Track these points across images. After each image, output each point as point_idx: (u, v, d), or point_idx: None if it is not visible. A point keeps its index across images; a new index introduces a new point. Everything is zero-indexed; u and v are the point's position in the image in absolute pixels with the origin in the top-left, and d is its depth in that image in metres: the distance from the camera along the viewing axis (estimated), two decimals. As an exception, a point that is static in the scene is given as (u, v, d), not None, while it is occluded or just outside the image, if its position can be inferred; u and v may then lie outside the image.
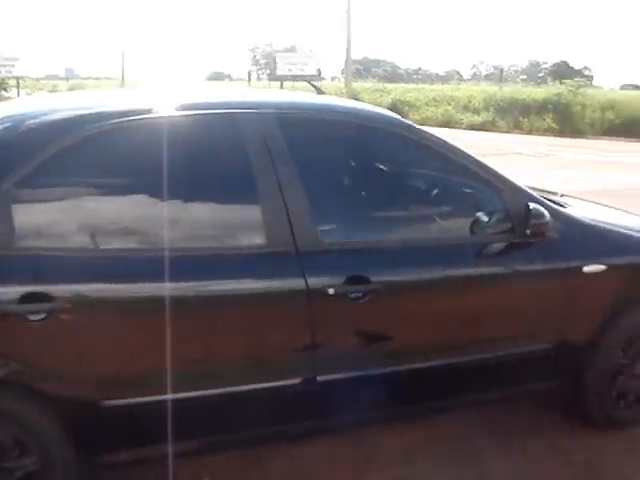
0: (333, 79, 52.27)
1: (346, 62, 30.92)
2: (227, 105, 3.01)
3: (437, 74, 72.67)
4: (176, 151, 2.71)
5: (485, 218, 3.15)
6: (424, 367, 3.10)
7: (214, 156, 2.88)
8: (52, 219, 2.61)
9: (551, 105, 25.17)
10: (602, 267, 3.28)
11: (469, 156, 3.21)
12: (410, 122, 3.37)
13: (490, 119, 25.19)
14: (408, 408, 3.26)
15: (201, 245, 2.77)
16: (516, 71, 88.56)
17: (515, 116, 25.07)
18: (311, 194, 2.86)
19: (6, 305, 2.39)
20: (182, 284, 2.66)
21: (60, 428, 2.54)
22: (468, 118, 25.19)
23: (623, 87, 60.16)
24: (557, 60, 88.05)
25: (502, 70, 40.03)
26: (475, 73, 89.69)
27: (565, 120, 24.06)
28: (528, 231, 3.05)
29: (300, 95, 3.93)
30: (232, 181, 2.87)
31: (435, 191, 3.38)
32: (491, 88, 31.13)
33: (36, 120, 2.71)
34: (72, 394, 2.56)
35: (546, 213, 3.08)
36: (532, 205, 3.05)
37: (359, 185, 3.39)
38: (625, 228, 3.62)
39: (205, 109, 2.93)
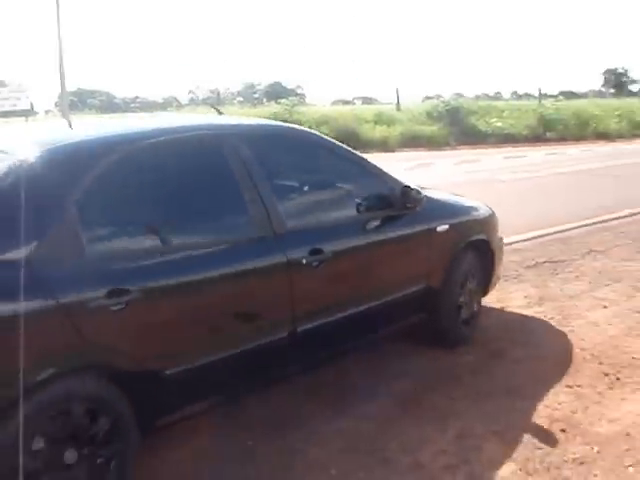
0: (47, 112, 49.25)
1: (61, 94, 28.92)
2: (208, 127, 3.98)
3: (155, 101, 71.52)
4: (196, 166, 3.57)
5: (375, 200, 4.30)
6: (357, 312, 4.07)
7: (213, 168, 3.65)
8: (120, 229, 3.17)
9: (269, 124, 25.58)
10: (446, 226, 4.66)
11: (366, 160, 4.48)
12: (325, 135, 4.58)
13: (211, 142, 24.96)
14: (353, 343, 4.30)
15: (214, 239, 3.48)
16: (232, 94, 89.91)
17: (235, 137, 25.08)
18: (275, 191, 3.75)
19: (95, 300, 2.87)
20: (213, 270, 3.35)
21: (127, 397, 2.99)
22: (190, 142, 24.76)
23: (334, 103, 63.72)
24: (271, 81, 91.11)
25: (219, 93, 40.22)
26: (192, 98, 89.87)
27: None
28: (409, 205, 4.28)
29: (251, 118, 5.31)
30: (226, 187, 3.61)
31: (351, 184, 4.35)
32: (209, 112, 30.92)
33: (79, 143, 3.33)
34: (141, 367, 3.08)
35: (422, 192, 4.40)
36: (412, 186, 4.33)
37: (302, 181, 4.21)
38: (454, 201, 5.24)
39: (194, 130, 3.85)
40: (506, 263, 6.99)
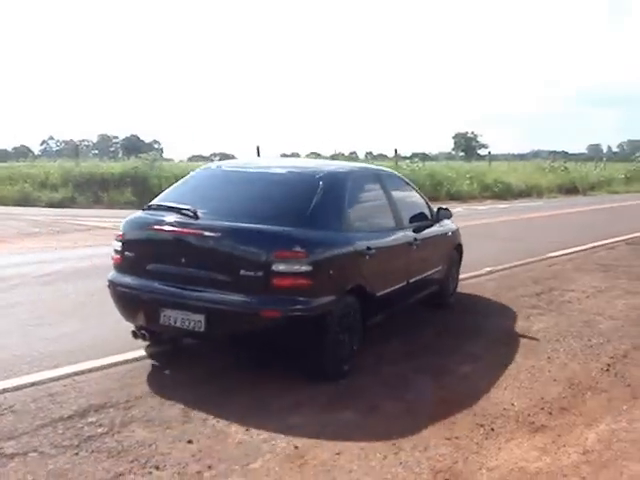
0: None
1: None
2: (366, 167, 7.77)
3: (6, 150, 68.60)
4: (375, 186, 6.65)
5: (428, 214, 7.58)
6: (424, 276, 7.22)
7: (377, 188, 6.66)
8: (360, 215, 6.01)
9: (129, 178, 25.02)
10: (450, 233, 8.06)
11: (420, 193, 7.89)
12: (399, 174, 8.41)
13: (69, 195, 24.02)
14: (422, 295, 7.34)
15: (384, 226, 6.46)
16: (87, 146, 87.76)
17: (95, 191, 24.36)
18: (397, 205, 6.78)
19: (360, 250, 5.59)
20: (387, 241, 6.31)
21: (360, 305, 5.62)
22: (46, 195, 23.76)
23: (191, 158, 63.42)
24: (127, 134, 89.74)
25: (77, 145, 39.14)
26: (45, 149, 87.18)
27: (145, 192, 24.01)
28: (439, 218, 7.70)
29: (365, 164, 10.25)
30: (384, 199, 6.64)
31: (418, 204, 7.61)
32: (68, 164, 29.83)
33: (334, 169, 6.57)
34: (370, 290, 5.74)
35: (450, 210, 7.94)
36: (443, 207, 7.87)
37: (401, 200, 6.99)
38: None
39: (367, 168, 7.57)
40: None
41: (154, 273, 5.33)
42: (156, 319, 5.21)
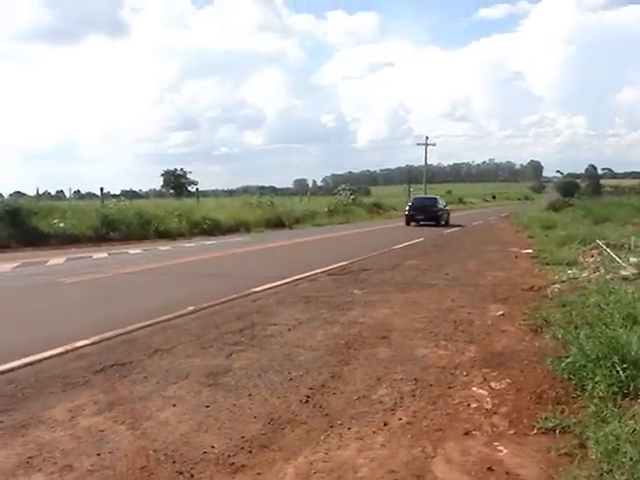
0: None
1: None
2: (438, 195, 54.54)
3: None
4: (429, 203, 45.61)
5: (444, 205, 46.73)
6: (446, 215, 46.60)
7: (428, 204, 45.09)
8: (440, 204, 46.77)
9: None
10: (448, 207, 49.82)
11: (442, 199, 49.59)
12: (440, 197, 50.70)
13: None
14: (445, 219, 46.26)
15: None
16: None
17: None
18: (442, 201, 48.10)
19: (443, 208, 48.16)
20: (445, 208, 49.02)
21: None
22: None
23: None
24: None
25: None
26: None
27: None
28: (446, 206, 47.84)
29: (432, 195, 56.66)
30: (441, 200, 48.18)
31: (442, 202, 46.19)
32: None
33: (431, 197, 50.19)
34: (443, 215, 45.69)
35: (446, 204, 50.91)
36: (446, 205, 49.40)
37: (441, 200, 47.66)
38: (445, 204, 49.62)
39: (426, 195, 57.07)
40: (72, 370, 6.80)
41: (416, 212, 41.07)
42: (415, 220, 40.62)
